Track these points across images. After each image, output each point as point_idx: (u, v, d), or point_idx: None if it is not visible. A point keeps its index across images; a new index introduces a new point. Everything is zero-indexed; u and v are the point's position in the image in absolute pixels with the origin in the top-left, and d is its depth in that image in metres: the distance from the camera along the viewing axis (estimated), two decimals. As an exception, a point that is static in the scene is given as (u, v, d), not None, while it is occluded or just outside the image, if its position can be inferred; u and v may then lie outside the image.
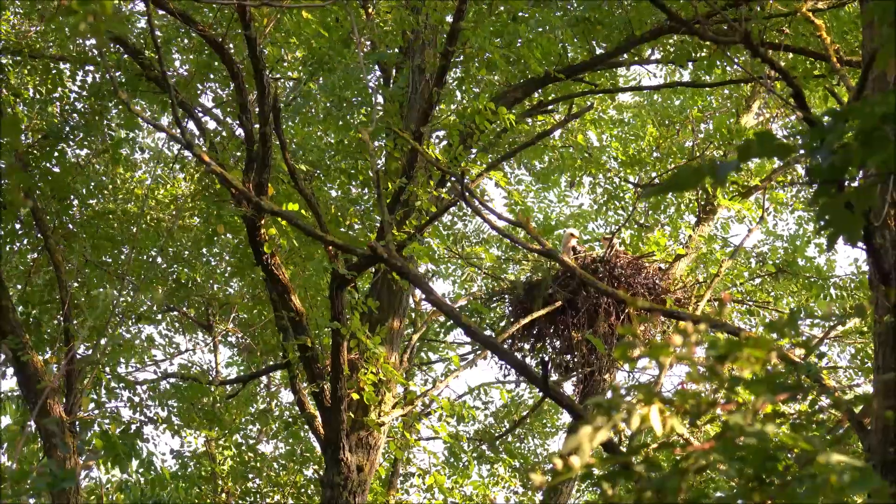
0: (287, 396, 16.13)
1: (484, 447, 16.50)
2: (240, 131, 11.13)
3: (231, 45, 11.01)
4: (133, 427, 12.53)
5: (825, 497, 2.68)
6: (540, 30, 11.73)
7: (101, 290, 13.92)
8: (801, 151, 2.60)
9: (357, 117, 12.49)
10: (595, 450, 2.80)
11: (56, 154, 12.32)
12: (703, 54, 11.70)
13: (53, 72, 12.19)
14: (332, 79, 12.09)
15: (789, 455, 2.83)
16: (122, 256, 13.42)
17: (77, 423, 11.69)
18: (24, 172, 11.90)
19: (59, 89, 12.28)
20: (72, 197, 12.85)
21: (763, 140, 2.51)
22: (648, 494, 2.65)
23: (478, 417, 16.88)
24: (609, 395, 2.79)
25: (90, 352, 12.45)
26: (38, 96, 12.36)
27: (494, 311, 15.25)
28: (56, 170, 12.33)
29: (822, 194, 2.64)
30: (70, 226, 12.82)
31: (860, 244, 5.86)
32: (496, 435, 16.75)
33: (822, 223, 2.72)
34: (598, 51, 12.44)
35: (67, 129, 12.36)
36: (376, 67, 13.26)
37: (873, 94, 5.93)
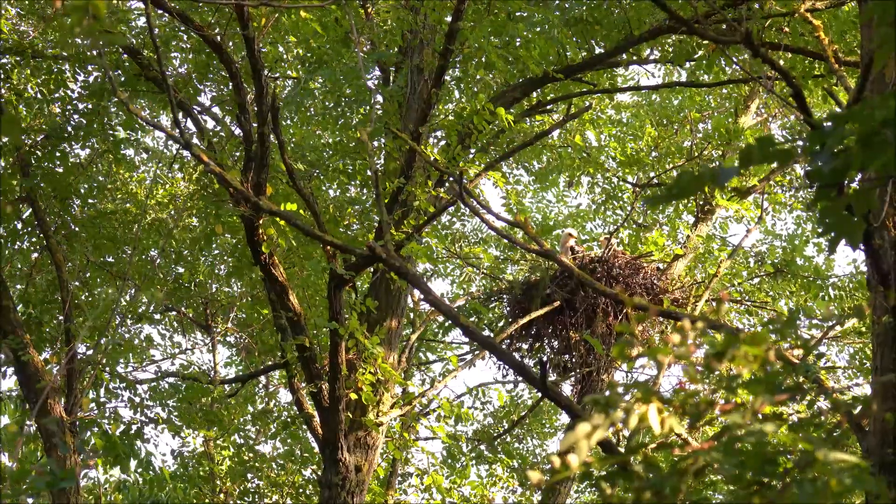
0: (286, 396, 16.14)
1: (482, 447, 16.49)
2: (238, 131, 11.13)
3: (231, 44, 11.01)
4: (133, 427, 12.54)
5: (825, 499, 2.68)
6: (538, 29, 11.73)
7: (102, 290, 13.93)
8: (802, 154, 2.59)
9: (356, 116, 12.49)
10: (593, 450, 2.80)
11: (58, 154, 12.31)
12: (702, 53, 11.70)
13: (55, 71, 12.18)
14: (332, 75, 12.06)
15: (788, 457, 2.83)
16: (124, 256, 13.41)
17: (77, 422, 11.69)
18: (17, 179, 11.91)
19: (61, 90, 12.27)
20: (73, 197, 12.85)
21: (764, 145, 2.51)
22: (647, 495, 2.66)
23: (476, 418, 16.88)
24: (607, 393, 2.80)
25: (90, 352, 12.45)
26: (39, 96, 12.34)
27: (493, 311, 15.25)
28: (59, 170, 12.32)
29: (822, 198, 2.64)
30: (72, 226, 12.82)
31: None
32: (494, 435, 16.74)
33: (823, 227, 2.72)
34: (598, 50, 12.44)
35: (70, 128, 12.35)
36: (376, 67, 13.26)
37: (872, 96, 5.93)
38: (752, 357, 2.71)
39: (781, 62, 10.99)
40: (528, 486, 16.46)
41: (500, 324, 14.90)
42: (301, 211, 11.12)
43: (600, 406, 2.75)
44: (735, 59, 9.33)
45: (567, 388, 14.72)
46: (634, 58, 13.11)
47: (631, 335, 2.89)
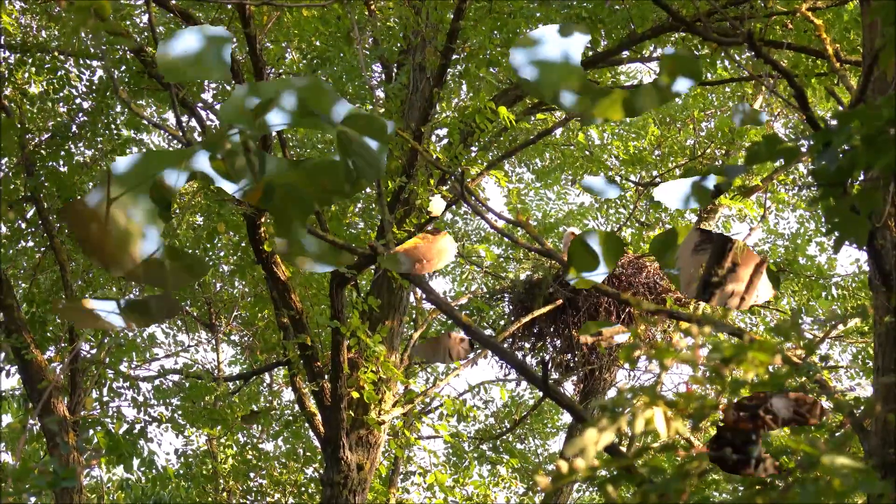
0: (288, 395, 16.15)
1: (484, 447, 16.48)
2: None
3: (234, 42, 11.01)
4: (137, 426, 12.54)
5: (827, 499, 2.68)
6: (540, 26, 11.70)
7: (105, 289, 13.92)
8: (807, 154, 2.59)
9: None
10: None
11: (63, 154, 12.30)
12: (705, 52, 11.69)
13: (60, 72, 12.16)
14: (334, 71, 12.04)
15: (789, 457, 2.83)
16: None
17: (80, 421, 11.70)
18: (21, 178, 11.91)
19: (67, 88, 12.25)
20: (77, 196, 12.83)
21: (770, 143, 2.50)
22: (653, 497, 2.66)
23: (478, 417, 16.86)
24: (611, 395, 2.80)
25: (94, 351, 12.46)
26: (45, 95, 12.33)
27: (494, 310, 15.24)
28: (63, 169, 12.31)
29: (827, 197, 2.64)
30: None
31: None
32: (495, 434, 16.72)
33: (828, 227, 2.72)
34: (603, 43, 12.40)
35: (74, 127, 12.35)
36: (378, 64, 13.24)
37: (873, 95, 5.92)
38: (760, 363, 2.71)
39: (784, 61, 10.99)
40: (531, 487, 16.44)
41: (503, 322, 14.89)
42: (303, 209, 11.09)
43: (608, 412, 2.75)
44: (737, 59, 9.32)
45: (569, 388, 14.72)
46: (638, 55, 13.09)
47: (636, 337, 2.89)
